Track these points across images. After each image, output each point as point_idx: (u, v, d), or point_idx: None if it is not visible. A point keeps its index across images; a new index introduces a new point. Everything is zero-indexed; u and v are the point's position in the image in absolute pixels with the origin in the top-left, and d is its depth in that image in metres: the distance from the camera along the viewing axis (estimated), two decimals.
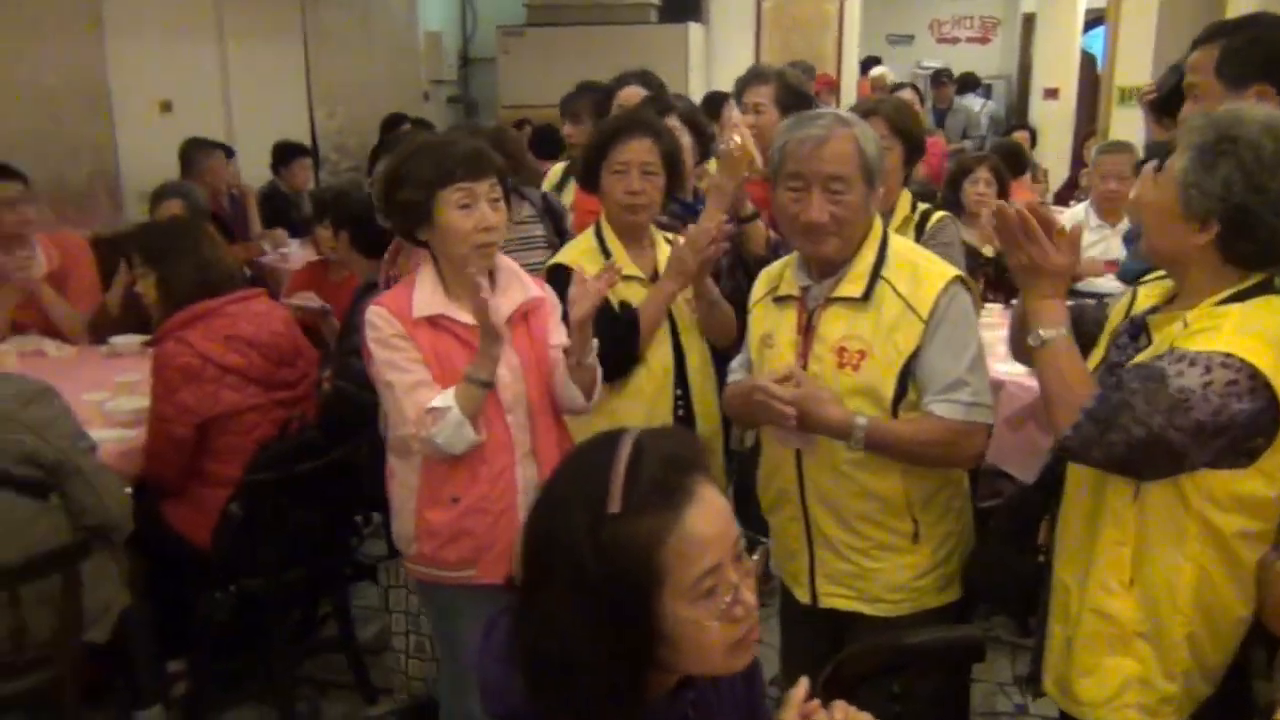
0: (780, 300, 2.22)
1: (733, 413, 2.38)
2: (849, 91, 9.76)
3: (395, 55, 8.71)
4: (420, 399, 2.15)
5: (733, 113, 3.37)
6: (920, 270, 2.11)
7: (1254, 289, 1.74)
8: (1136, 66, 5.87)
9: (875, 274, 2.10)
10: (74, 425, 2.54)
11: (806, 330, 2.14)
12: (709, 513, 1.15)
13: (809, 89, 4.43)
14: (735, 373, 2.36)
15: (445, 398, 2.14)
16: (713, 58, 9.51)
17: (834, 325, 2.12)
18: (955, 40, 13.37)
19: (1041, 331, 1.83)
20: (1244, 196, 1.67)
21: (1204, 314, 1.75)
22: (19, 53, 4.97)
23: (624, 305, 2.59)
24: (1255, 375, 1.64)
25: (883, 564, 2.17)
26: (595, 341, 2.32)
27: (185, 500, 2.93)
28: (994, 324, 3.85)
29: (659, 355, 2.65)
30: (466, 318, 2.22)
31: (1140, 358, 1.81)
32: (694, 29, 9.11)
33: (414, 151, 2.24)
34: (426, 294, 2.23)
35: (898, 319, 2.07)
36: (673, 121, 3.08)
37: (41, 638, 2.45)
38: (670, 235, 2.77)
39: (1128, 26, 5.70)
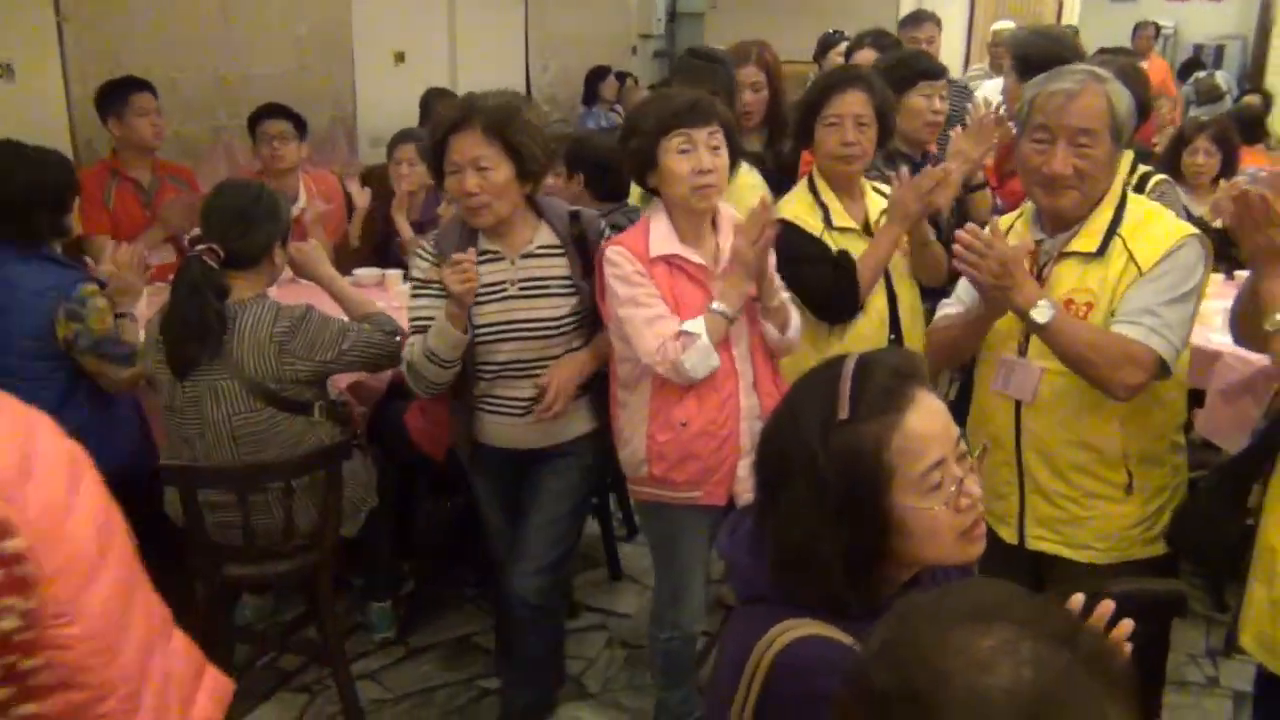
0: None
1: (933, 344, 2.41)
2: None
3: (607, 10, 8.94)
4: (661, 330, 2.33)
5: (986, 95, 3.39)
6: (1155, 229, 2.13)
7: None
8: None
9: (1111, 231, 2.14)
10: (332, 332, 2.75)
11: (1038, 281, 2.17)
12: (929, 414, 1.29)
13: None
14: (947, 305, 2.42)
15: (697, 324, 2.32)
16: (925, 9, 9.32)
17: (1064, 278, 2.16)
18: None
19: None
20: None
21: None
22: (276, 4, 5.40)
23: (843, 254, 2.68)
24: None
25: (1094, 512, 2.21)
26: (780, 283, 2.47)
27: (426, 414, 3.21)
28: (1214, 294, 3.77)
29: (877, 302, 2.77)
30: (697, 257, 2.41)
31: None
32: None
33: (644, 103, 2.47)
34: (661, 235, 2.41)
35: (1123, 273, 2.11)
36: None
37: (305, 529, 2.79)
38: (881, 186, 2.85)
39: None
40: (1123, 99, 2.12)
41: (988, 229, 2.13)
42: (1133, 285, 2.09)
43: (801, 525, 1.27)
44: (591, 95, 8.12)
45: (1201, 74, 9.54)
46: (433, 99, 5.70)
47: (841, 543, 1.26)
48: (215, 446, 2.70)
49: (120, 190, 4.00)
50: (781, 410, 1.39)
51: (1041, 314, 2.05)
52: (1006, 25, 6.98)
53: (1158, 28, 9.83)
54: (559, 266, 2.59)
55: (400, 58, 6.35)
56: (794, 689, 1.24)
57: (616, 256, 2.41)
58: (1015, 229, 2.29)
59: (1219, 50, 10.67)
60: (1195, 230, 2.15)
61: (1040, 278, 2.17)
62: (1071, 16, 9.68)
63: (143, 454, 2.99)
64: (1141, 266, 2.09)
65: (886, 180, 2.88)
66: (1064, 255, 2.17)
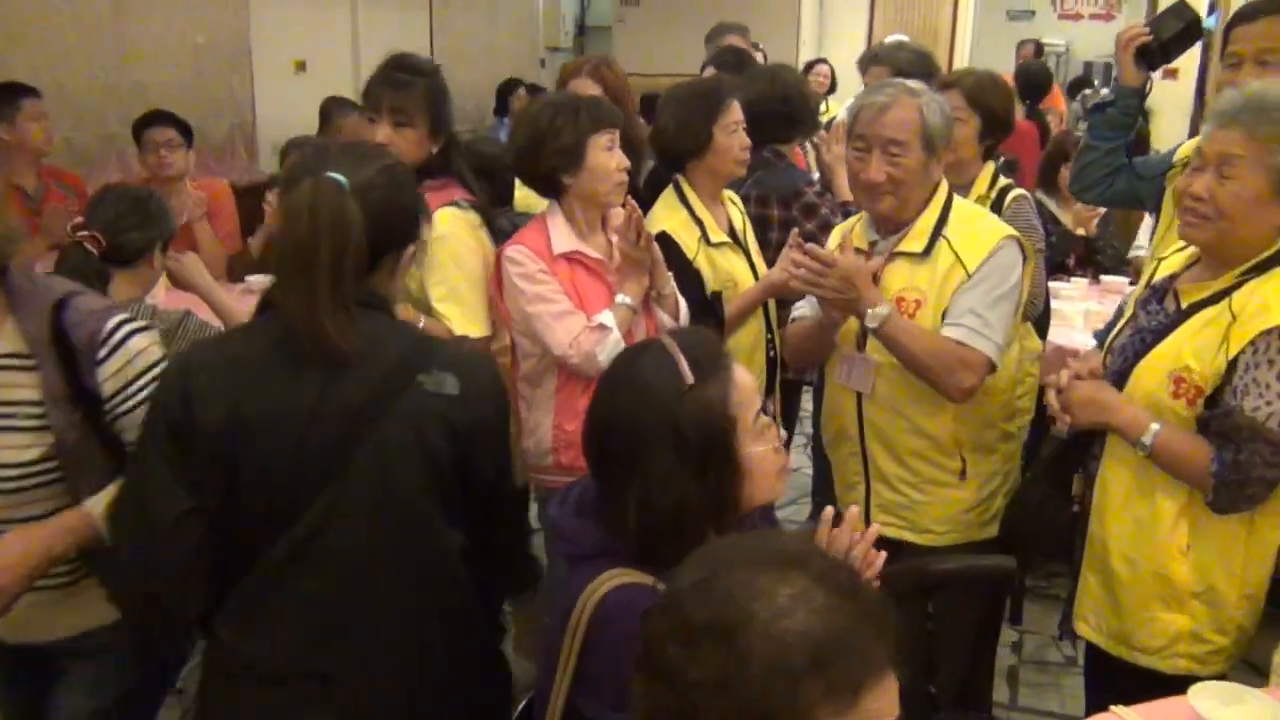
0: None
1: (790, 347, 2.58)
2: (960, 66, 9.71)
3: (515, 22, 9.03)
4: (571, 324, 2.42)
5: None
6: (978, 229, 2.30)
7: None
8: None
9: (937, 232, 2.29)
10: (210, 337, 2.75)
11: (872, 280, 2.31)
12: (743, 372, 1.49)
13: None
14: (800, 308, 2.56)
15: (608, 317, 2.42)
16: (826, 26, 9.61)
17: (896, 277, 2.31)
18: (1078, 17, 13.08)
19: (1146, 439, 1.95)
20: None
21: (1245, 300, 1.88)
22: (169, 11, 5.36)
23: (715, 296, 2.76)
24: None
25: (931, 497, 2.37)
26: (670, 275, 2.58)
27: None
28: (1079, 297, 4.00)
29: (756, 317, 2.88)
30: (596, 252, 2.51)
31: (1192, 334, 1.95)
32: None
33: (561, 105, 2.51)
34: (561, 234, 2.50)
35: (949, 272, 2.26)
36: None
37: None
38: (734, 196, 2.99)
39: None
40: (935, 112, 2.27)
41: (834, 244, 2.28)
42: (959, 289, 2.25)
43: (671, 487, 1.40)
44: (503, 107, 8.19)
45: (1088, 91, 9.96)
46: (333, 107, 5.74)
47: (709, 496, 1.42)
48: None
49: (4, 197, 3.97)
50: (619, 391, 1.50)
51: (873, 319, 2.20)
52: (898, 38, 7.22)
53: (1039, 47, 10.19)
54: (25, 387, 1.77)
55: (301, 66, 6.36)
56: (611, 631, 1.37)
57: (519, 255, 2.47)
58: (855, 230, 2.44)
59: (1107, 68, 11.11)
60: (1013, 231, 2.32)
61: (875, 277, 2.31)
62: (965, 34, 10.02)
63: None
64: (966, 265, 2.24)
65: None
66: (895, 255, 2.32)
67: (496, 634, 1.91)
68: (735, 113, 2.81)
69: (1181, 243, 2.06)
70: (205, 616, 1.64)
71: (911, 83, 2.35)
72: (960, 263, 2.25)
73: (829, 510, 1.55)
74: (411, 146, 2.56)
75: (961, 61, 9.91)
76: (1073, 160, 2.93)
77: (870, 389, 2.34)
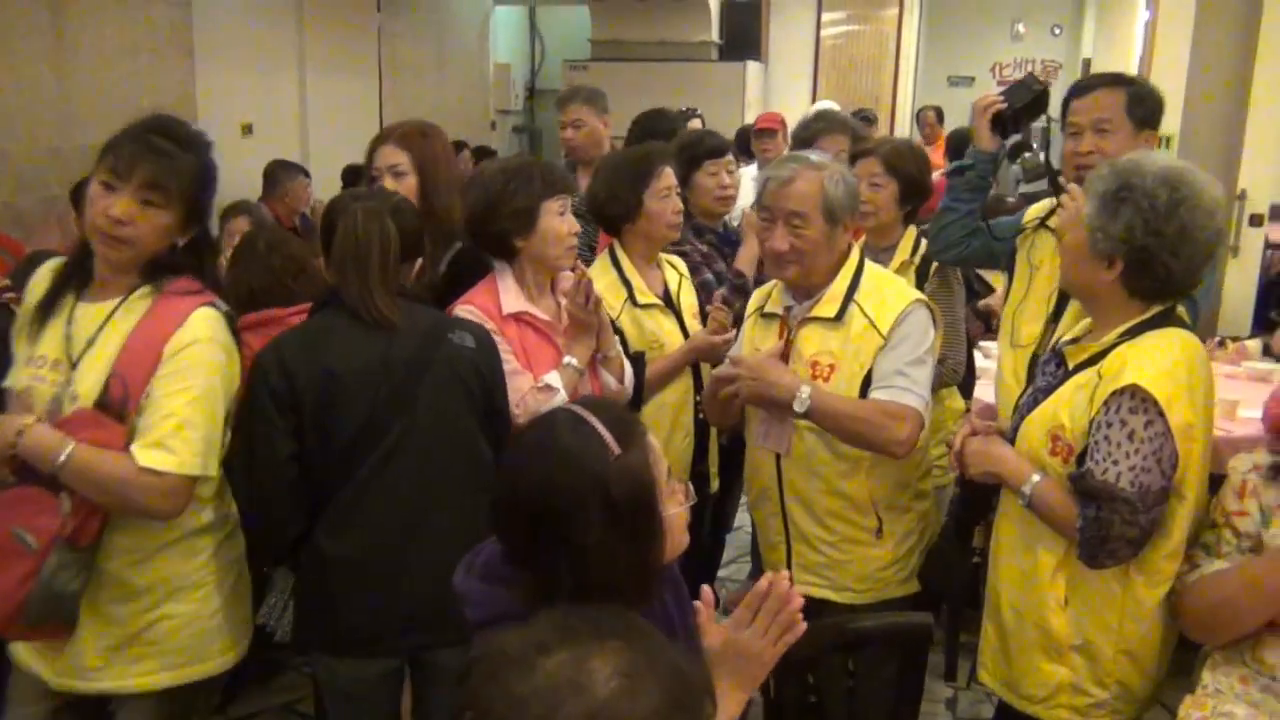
0: (767, 316, 2.50)
1: (708, 408, 2.64)
2: (904, 132, 9.96)
3: (465, 86, 9.16)
4: (519, 384, 2.44)
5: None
6: (887, 294, 2.37)
7: (1157, 318, 1.98)
8: (1170, 109, 6.01)
9: (848, 297, 2.37)
10: None
11: (787, 345, 2.41)
12: (651, 437, 1.55)
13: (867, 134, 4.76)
14: (720, 370, 2.58)
15: (555, 378, 2.46)
16: (770, 95, 9.82)
17: (810, 341, 2.38)
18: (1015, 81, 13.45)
19: (1026, 489, 2.05)
20: (1144, 239, 1.92)
21: (1112, 362, 1.97)
22: (116, 75, 5.42)
23: (639, 356, 2.80)
24: (1152, 401, 1.89)
25: (850, 555, 2.42)
26: (615, 339, 2.64)
27: None
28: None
29: (684, 378, 2.93)
30: (544, 314, 2.55)
31: (1063, 392, 2.05)
32: (752, 67, 9.44)
33: (516, 169, 2.56)
34: (511, 295, 2.53)
35: (863, 336, 2.33)
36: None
37: None
38: (674, 259, 3.06)
39: (1157, 77, 5.90)
40: (838, 184, 2.35)
41: (753, 307, 2.35)
42: (878, 353, 2.32)
43: (605, 553, 1.44)
44: None
45: (1028, 154, 10.19)
46: (277, 170, 5.80)
47: (636, 558, 1.46)
48: None
49: None
50: (546, 461, 1.51)
51: (800, 404, 2.27)
52: (828, 106, 7.40)
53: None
54: None
55: (248, 129, 6.41)
56: None
57: (469, 315, 2.49)
58: (772, 296, 2.52)
59: (1045, 131, 11.43)
60: (921, 295, 2.41)
61: (789, 341, 2.39)
62: (906, 101, 10.29)
63: None
64: (879, 328, 2.32)
65: (696, 250, 3.13)
66: (808, 320, 2.39)
67: None
68: (667, 179, 2.89)
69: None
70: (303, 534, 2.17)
71: (815, 155, 2.44)
72: (874, 326, 2.32)
73: (765, 579, 1.56)
74: (155, 233, 1.99)
75: (903, 127, 10.16)
76: (930, 224, 3.02)
77: (788, 449, 2.39)
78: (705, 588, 1.60)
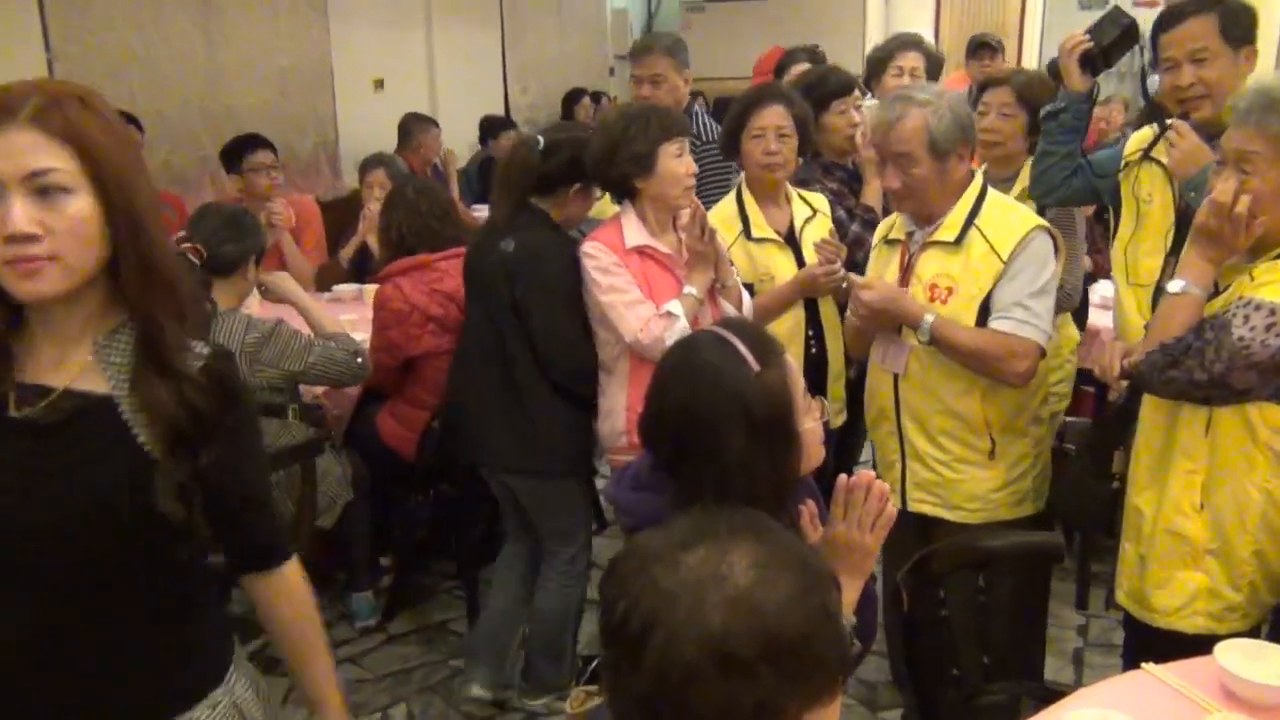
0: (890, 243, 2.59)
1: (848, 337, 2.75)
2: (1030, 61, 9.65)
3: (583, 33, 9.23)
4: (642, 312, 2.60)
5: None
6: (1009, 220, 2.42)
7: None
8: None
9: (969, 222, 2.42)
10: (300, 345, 3.03)
11: (907, 268, 2.48)
12: (790, 356, 1.67)
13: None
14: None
15: (676, 306, 2.60)
16: (891, 27, 9.62)
17: (929, 265, 2.46)
18: (1153, 4, 12.85)
19: (1184, 282, 2.07)
20: None
21: (1268, 268, 1.98)
22: (256, 36, 5.66)
23: (746, 287, 2.88)
24: None
25: (963, 475, 2.51)
26: (735, 267, 2.76)
27: (396, 418, 3.47)
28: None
29: (795, 312, 2.99)
30: (666, 248, 2.70)
31: (1216, 302, 2.06)
32: None
33: (634, 115, 2.70)
34: (634, 230, 2.69)
35: (982, 260, 2.38)
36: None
37: (282, 522, 3.03)
38: (807, 194, 3.11)
39: None
40: (942, 118, 2.38)
41: (879, 236, 2.49)
42: (998, 281, 2.36)
43: (746, 467, 1.56)
44: (568, 115, 8.41)
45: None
46: (411, 123, 6.00)
47: (774, 469, 1.59)
48: None
49: None
50: (690, 380, 1.65)
51: (922, 334, 2.38)
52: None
53: None
54: None
55: (380, 85, 6.63)
56: None
57: (595, 250, 2.67)
58: (896, 224, 2.59)
59: (1141, 68, 10.88)
60: (1044, 222, 2.44)
61: (910, 265, 2.45)
62: (1035, 26, 9.95)
63: None
64: (999, 252, 2.36)
65: (826, 188, 3.18)
66: (929, 245, 2.45)
67: None
68: (760, 120, 2.94)
69: None
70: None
71: (922, 90, 2.47)
72: (994, 251, 2.37)
73: (841, 477, 1.66)
74: None
75: (1031, 53, 9.85)
76: (1030, 169, 2.96)
77: (904, 369, 2.48)
78: (842, 476, 1.68)
